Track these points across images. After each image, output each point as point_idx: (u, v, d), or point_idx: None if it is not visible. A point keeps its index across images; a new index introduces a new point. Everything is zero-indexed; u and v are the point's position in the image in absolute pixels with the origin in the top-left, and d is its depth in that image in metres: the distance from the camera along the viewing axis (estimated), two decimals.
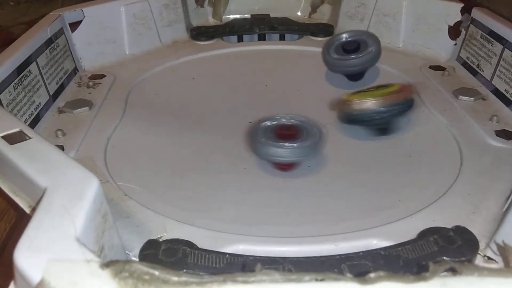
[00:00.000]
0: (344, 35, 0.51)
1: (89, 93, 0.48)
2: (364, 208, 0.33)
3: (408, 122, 0.44)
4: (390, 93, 0.39)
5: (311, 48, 0.61)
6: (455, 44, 0.56)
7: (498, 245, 0.26)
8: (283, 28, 0.65)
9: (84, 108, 0.44)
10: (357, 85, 0.49)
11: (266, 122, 0.37)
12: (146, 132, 0.43)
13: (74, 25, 0.53)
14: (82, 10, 0.53)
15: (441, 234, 0.27)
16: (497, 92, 0.47)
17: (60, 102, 0.46)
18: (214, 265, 0.26)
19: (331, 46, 0.51)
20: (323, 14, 0.69)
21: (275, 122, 0.37)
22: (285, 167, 0.37)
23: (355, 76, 0.51)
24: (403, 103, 0.39)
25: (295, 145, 0.35)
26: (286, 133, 0.36)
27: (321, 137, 0.36)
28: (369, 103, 0.38)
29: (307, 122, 0.38)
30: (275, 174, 0.37)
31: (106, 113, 0.44)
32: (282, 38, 0.65)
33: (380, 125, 0.41)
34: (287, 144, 0.35)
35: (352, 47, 0.50)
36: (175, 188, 0.35)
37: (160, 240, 0.28)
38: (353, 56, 0.49)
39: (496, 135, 0.40)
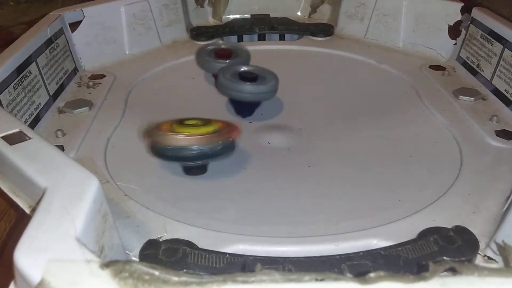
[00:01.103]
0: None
1: (89, 93, 0.48)
2: (364, 208, 0.33)
3: (407, 122, 0.44)
4: (209, 132, 0.35)
5: (311, 48, 0.61)
6: (455, 44, 0.56)
7: (498, 245, 0.26)
8: (283, 28, 0.65)
9: (84, 108, 0.44)
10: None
11: (210, 46, 0.53)
12: None
13: (74, 25, 0.53)
14: (82, 10, 0.53)
15: (441, 234, 0.27)
16: (497, 92, 0.47)
17: (60, 102, 0.46)
18: (214, 265, 0.26)
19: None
20: (323, 14, 0.69)
21: (216, 46, 0.53)
22: None
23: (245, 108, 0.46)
24: (219, 146, 0.35)
25: (227, 61, 0.49)
26: (223, 53, 0.50)
27: (248, 57, 0.51)
28: (184, 140, 0.34)
29: (239, 47, 0.53)
30: (276, 174, 0.37)
31: (106, 113, 0.44)
32: (282, 38, 0.65)
33: (193, 164, 0.36)
34: (222, 61, 0.49)
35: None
36: (175, 188, 0.35)
37: (160, 240, 0.28)
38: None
39: (496, 135, 0.40)
